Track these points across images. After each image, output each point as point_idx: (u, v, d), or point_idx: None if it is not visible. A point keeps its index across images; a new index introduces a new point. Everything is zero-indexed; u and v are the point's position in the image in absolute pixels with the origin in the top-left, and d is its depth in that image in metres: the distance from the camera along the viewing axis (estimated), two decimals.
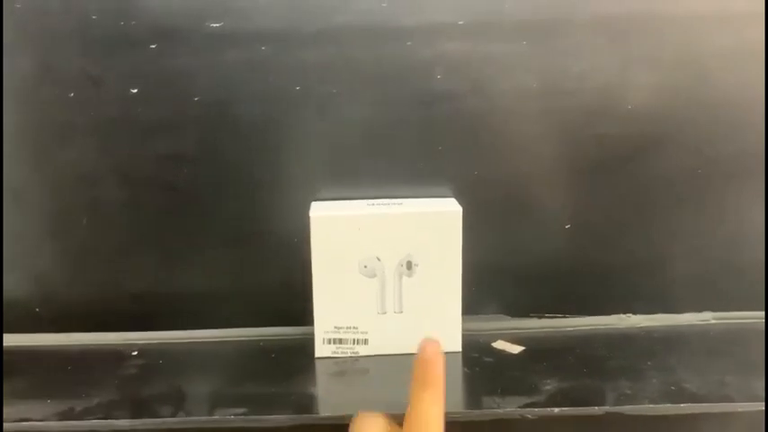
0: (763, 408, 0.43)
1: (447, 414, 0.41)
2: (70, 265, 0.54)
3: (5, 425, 0.43)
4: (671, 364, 0.49)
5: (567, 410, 0.43)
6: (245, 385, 0.47)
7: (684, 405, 0.44)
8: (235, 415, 0.43)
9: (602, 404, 0.44)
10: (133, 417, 0.43)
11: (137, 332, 0.54)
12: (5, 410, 0.44)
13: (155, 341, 0.54)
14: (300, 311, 0.52)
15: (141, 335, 0.54)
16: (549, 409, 0.43)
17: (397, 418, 0.41)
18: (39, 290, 0.54)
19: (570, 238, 0.54)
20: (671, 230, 0.55)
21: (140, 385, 0.47)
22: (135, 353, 0.52)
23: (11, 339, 0.54)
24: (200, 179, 0.52)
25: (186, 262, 0.54)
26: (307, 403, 0.45)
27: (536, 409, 0.43)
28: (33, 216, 0.53)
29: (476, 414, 0.43)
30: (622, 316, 0.56)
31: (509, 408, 0.43)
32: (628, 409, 0.43)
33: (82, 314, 0.54)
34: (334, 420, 0.43)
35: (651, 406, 0.43)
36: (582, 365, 0.49)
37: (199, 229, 0.53)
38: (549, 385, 0.46)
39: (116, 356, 0.52)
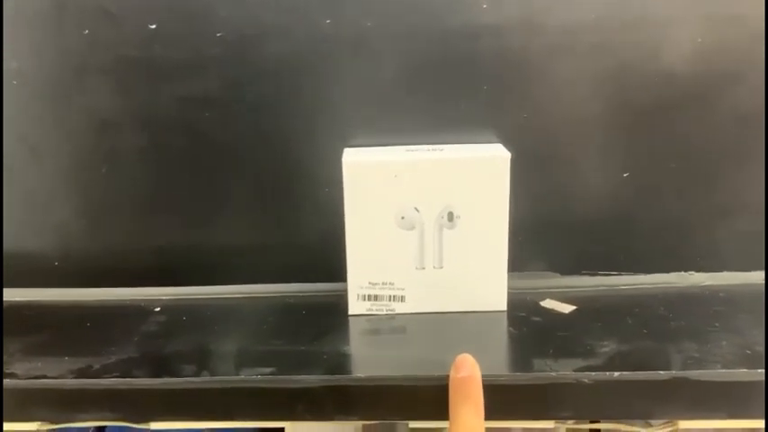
0: None
1: (493, 376, 0.38)
2: (90, 216, 0.52)
3: (21, 381, 0.42)
4: (741, 326, 0.45)
5: (627, 375, 0.40)
6: (273, 343, 0.45)
7: (762, 371, 0.39)
8: (262, 374, 0.41)
9: (668, 368, 0.40)
10: (153, 375, 0.42)
11: (159, 287, 0.53)
12: (21, 366, 0.43)
13: (178, 297, 0.52)
14: (333, 266, 0.49)
15: (164, 290, 0.53)
16: (607, 373, 0.40)
17: (435, 380, 0.38)
18: (57, 243, 0.53)
19: (627, 188, 0.50)
20: (740, 180, 0.50)
21: (162, 343, 0.46)
22: (157, 309, 0.51)
23: (29, 294, 0.53)
24: (224, 123, 0.50)
25: (211, 213, 0.52)
26: (339, 362, 0.42)
27: (593, 374, 0.40)
28: (50, 166, 0.51)
29: (527, 377, 0.40)
30: (684, 274, 0.52)
31: (563, 371, 0.40)
32: (697, 373, 0.39)
33: (102, 268, 0.53)
34: (368, 381, 0.41)
35: (724, 371, 0.39)
36: (641, 326, 0.45)
37: (224, 179, 0.51)
38: (607, 347, 0.43)
39: (138, 313, 0.50)
